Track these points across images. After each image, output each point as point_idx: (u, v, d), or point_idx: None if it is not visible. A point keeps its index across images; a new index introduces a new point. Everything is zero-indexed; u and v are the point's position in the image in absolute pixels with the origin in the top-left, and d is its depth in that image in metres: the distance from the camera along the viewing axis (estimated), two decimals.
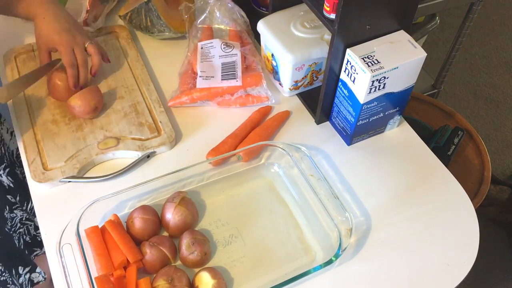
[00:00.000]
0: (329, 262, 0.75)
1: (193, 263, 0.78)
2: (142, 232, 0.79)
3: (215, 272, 0.75)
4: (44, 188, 0.86)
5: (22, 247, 1.12)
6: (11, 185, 1.04)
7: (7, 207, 1.05)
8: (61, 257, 0.74)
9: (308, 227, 0.83)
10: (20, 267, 1.09)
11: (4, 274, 1.04)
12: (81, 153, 0.89)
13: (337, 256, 0.75)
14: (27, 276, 1.12)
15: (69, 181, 0.87)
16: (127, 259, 0.75)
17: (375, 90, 0.83)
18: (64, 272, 0.73)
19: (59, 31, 0.90)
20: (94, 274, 0.74)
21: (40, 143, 0.91)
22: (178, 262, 0.80)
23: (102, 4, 1.13)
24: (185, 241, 0.78)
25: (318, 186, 0.83)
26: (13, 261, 1.08)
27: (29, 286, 1.13)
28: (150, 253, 0.76)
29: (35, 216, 1.06)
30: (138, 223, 0.79)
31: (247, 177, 0.90)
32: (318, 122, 0.98)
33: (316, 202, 0.82)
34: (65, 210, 0.83)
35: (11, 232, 1.07)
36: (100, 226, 0.79)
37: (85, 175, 0.89)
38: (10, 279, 1.06)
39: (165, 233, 0.83)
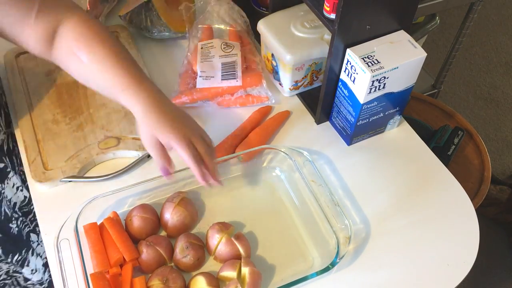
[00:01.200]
0: (326, 269, 0.74)
1: (186, 267, 0.77)
2: (140, 231, 0.79)
3: (211, 279, 0.74)
4: (45, 188, 0.86)
5: None
6: None
7: None
8: (58, 252, 0.74)
9: (307, 233, 0.83)
10: None
11: None
12: (82, 152, 0.89)
13: (334, 263, 0.75)
14: None
15: (69, 181, 0.87)
16: (124, 257, 0.75)
17: (375, 90, 0.83)
18: (60, 267, 0.73)
19: (171, 121, 0.73)
20: (90, 270, 0.74)
21: (40, 142, 0.91)
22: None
23: (102, 4, 1.13)
24: (180, 244, 0.77)
25: (319, 192, 0.83)
26: None
27: None
28: (146, 253, 0.76)
29: (23, 267, 0.98)
30: (136, 222, 0.79)
31: (249, 180, 0.90)
32: (318, 122, 0.98)
33: (317, 208, 0.82)
34: (65, 210, 0.83)
35: None
36: (99, 223, 0.79)
37: (86, 175, 0.89)
38: None
39: (164, 233, 0.83)
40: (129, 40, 1.10)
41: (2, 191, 0.89)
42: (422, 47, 0.84)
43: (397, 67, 0.81)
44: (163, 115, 0.73)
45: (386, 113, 0.91)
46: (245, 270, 0.73)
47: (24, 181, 0.95)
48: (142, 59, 1.06)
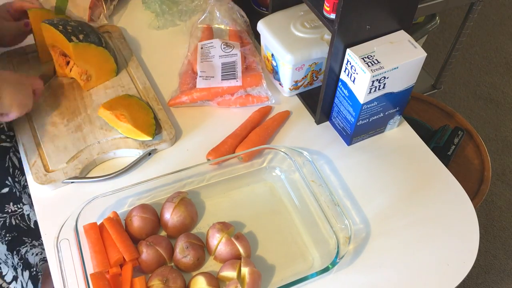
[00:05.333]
0: (326, 269, 0.74)
1: (186, 267, 0.77)
2: (140, 231, 0.80)
3: (211, 279, 0.74)
4: (47, 190, 0.86)
5: None
6: None
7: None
8: (58, 251, 0.74)
9: (307, 233, 0.83)
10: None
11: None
12: (82, 153, 0.89)
13: (334, 263, 0.75)
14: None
15: (72, 182, 0.87)
16: (124, 257, 0.76)
17: (375, 90, 0.83)
18: (60, 267, 0.73)
19: None
20: (90, 270, 0.74)
21: (40, 145, 0.91)
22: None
23: (106, 2, 1.14)
24: (180, 244, 0.77)
25: (319, 192, 0.83)
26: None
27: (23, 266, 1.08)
28: (146, 253, 0.76)
29: None
30: (136, 222, 0.79)
31: (249, 180, 0.90)
32: (318, 122, 0.98)
33: (317, 208, 0.82)
34: (65, 210, 0.83)
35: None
36: (99, 223, 0.79)
37: (88, 175, 0.89)
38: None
39: (164, 233, 0.83)
40: (122, 40, 1.10)
41: None
42: (422, 47, 0.84)
43: (397, 67, 0.81)
44: None
45: (386, 113, 0.91)
46: (245, 270, 0.73)
47: None
48: (137, 58, 1.06)
